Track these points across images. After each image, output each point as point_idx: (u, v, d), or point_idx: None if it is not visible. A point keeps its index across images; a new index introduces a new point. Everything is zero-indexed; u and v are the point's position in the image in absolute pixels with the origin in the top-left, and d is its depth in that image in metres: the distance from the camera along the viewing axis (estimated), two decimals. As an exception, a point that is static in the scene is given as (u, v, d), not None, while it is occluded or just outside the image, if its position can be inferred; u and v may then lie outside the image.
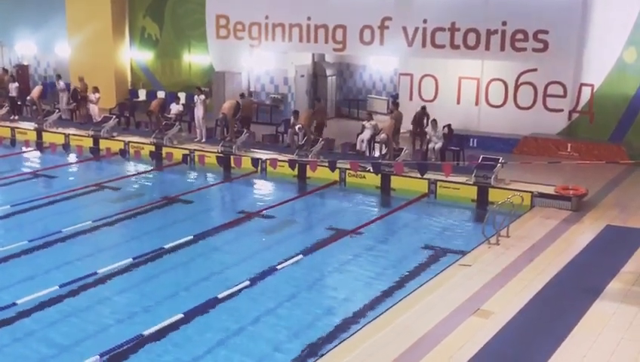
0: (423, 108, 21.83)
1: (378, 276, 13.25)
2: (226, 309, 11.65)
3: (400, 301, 11.34)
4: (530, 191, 16.77)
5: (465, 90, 22.97)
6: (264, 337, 10.80)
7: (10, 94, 27.89)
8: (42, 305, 11.61)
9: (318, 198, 18.69)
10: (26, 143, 23.33)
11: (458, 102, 22.95)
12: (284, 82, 26.65)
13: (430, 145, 20.38)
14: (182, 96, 26.26)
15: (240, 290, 12.23)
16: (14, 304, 11.35)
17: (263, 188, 20.00)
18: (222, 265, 13.90)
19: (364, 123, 21.84)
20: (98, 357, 9.68)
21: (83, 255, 14.21)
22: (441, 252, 14.33)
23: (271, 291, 12.45)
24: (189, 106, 24.58)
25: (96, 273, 12.81)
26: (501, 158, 18.13)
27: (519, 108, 22.30)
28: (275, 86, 26.82)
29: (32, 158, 23.27)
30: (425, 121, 21.29)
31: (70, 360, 9.63)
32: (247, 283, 12.51)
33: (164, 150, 21.56)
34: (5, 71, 30.59)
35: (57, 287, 12.08)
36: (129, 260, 13.51)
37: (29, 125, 25.34)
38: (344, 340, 10.07)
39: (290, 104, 26.29)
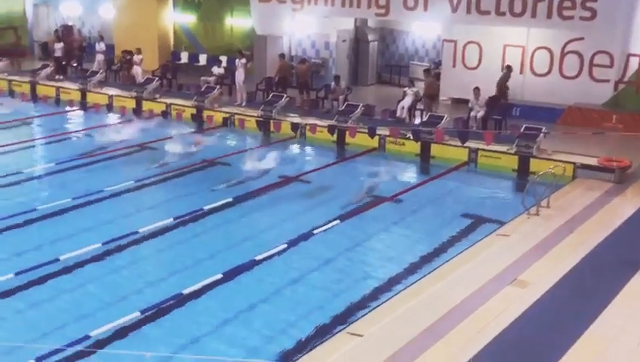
0: (509, 67, 21.51)
1: (415, 244, 13.27)
2: (263, 271, 11.79)
3: (436, 269, 11.35)
4: (572, 162, 16.54)
5: (509, 58, 22.53)
6: (298, 301, 10.93)
7: (55, 54, 28.27)
8: (85, 262, 11.89)
9: (356, 164, 18.67)
10: (70, 103, 23.69)
11: (502, 70, 22.57)
12: (325, 47, 26.48)
13: (472, 114, 20.17)
14: (223, 59, 26.30)
15: (277, 253, 12.36)
16: (57, 260, 11.65)
17: (302, 153, 20.04)
18: (260, 228, 14.05)
19: (405, 90, 21.73)
20: (139, 313, 9.92)
21: (125, 214, 14.49)
22: (480, 221, 14.26)
23: (307, 255, 12.55)
24: (231, 70, 24.65)
25: (137, 232, 13.05)
26: (544, 128, 17.88)
27: (564, 77, 21.85)
28: (316, 50, 26.68)
29: (76, 118, 23.61)
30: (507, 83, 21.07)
31: (111, 316, 9.85)
32: (284, 246, 12.62)
33: (205, 113, 21.72)
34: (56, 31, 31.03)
35: (100, 245, 12.35)
36: (170, 220, 13.72)
37: (74, 85, 25.68)
38: (379, 305, 10.13)
39: (331, 69, 26.15)
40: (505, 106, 20.86)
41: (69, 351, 8.73)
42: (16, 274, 11.05)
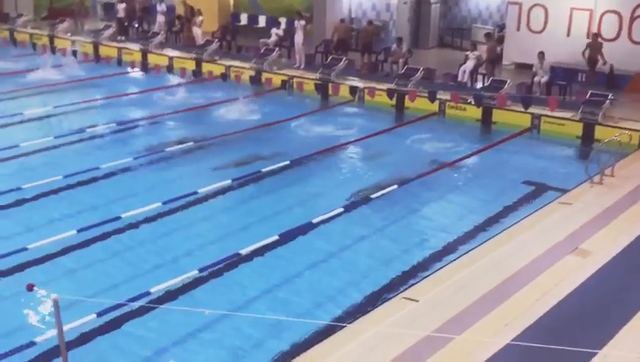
0: (595, 35, 20.83)
1: (474, 210, 13.08)
2: (319, 234, 11.80)
3: (496, 235, 11.18)
4: (639, 130, 16.01)
5: (576, 21, 21.83)
6: (355, 264, 10.94)
7: (117, 15, 28.56)
8: (145, 221, 12.10)
9: (416, 129, 18.42)
10: (132, 64, 23.98)
11: (568, 35, 21.87)
12: (386, 9, 26.08)
13: (536, 79, 19.66)
14: (282, 21, 26.17)
15: (334, 217, 12.34)
16: (119, 218, 11.87)
17: (360, 117, 19.85)
18: (317, 192, 14.05)
19: (467, 53, 21.31)
20: (197, 271, 10.07)
21: (184, 174, 14.65)
22: (541, 189, 13.97)
23: (364, 219, 12.51)
24: (290, 32, 24.54)
25: (196, 192, 13.20)
26: (610, 95, 17.33)
27: (634, 42, 21.05)
28: (376, 12, 26.29)
29: (137, 79, 23.87)
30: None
31: (170, 273, 10.03)
32: (341, 210, 12.59)
33: (264, 75, 21.72)
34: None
35: (160, 204, 12.54)
36: (228, 182, 13.82)
37: (135, 46, 25.94)
38: (436, 271, 10.06)
39: (391, 32, 25.78)
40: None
41: (130, 307, 8.94)
42: (79, 231, 11.31)
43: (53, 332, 7.55)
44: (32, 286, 9.01)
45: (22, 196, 12.92)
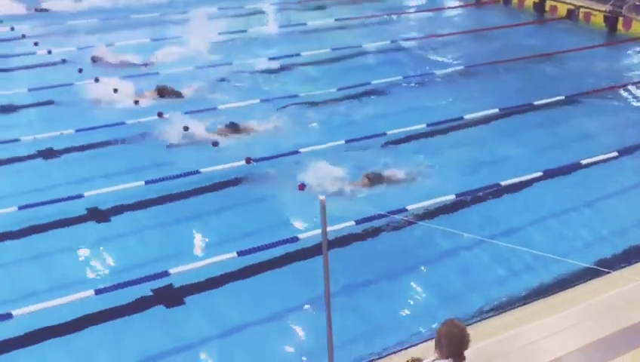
0: None
1: None
2: (586, 176, 11.15)
3: None
4: None
5: None
6: (621, 212, 10.18)
7: None
8: (407, 139, 12.29)
9: None
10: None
11: None
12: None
13: None
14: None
15: (605, 160, 11.53)
16: (384, 133, 12.15)
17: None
18: (588, 131, 13.17)
19: None
20: (454, 196, 10.09)
21: (452, 98, 14.51)
22: None
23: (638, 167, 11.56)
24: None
25: (461, 118, 13.09)
26: None
27: None
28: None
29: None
30: None
31: (430, 194, 10.17)
32: (615, 154, 11.72)
33: (548, 3, 20.63)
34: None
35: (424, 126, 12.63)
36: (495, 110, 13.49)
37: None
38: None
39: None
40: None
41: (389, 219, 9.14)
42: (347, 141, 11.82)
43: (315, 232, 8.06)
44: (304, 185, 9.66)
45: (297, 101, 13.73)
